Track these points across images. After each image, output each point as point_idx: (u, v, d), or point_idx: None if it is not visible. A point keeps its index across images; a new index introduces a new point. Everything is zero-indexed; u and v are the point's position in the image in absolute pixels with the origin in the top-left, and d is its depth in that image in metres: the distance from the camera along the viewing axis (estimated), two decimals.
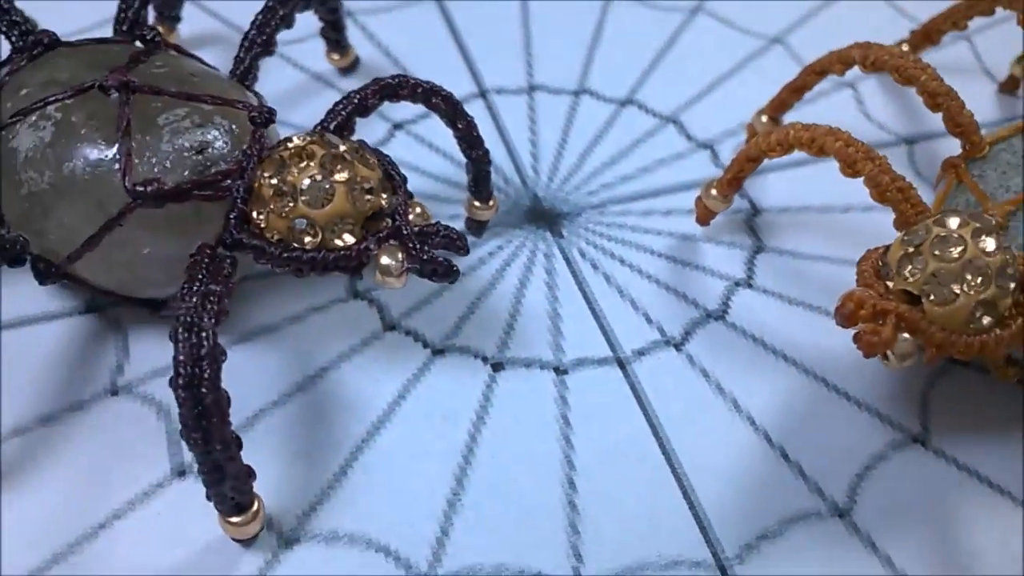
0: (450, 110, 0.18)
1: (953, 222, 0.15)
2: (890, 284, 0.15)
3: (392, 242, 0.15)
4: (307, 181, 0.15)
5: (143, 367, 0.17)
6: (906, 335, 0.15)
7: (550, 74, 0.23)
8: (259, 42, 0.19)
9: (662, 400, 0.17)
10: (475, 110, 0.22)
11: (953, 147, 0.19)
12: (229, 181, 0.15)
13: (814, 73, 0.20)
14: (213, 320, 0.14)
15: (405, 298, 0.18)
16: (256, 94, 0.18)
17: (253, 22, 0.19)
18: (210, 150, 0.15)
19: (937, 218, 0.15)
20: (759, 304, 0.19)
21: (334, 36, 0.22)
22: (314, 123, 0.21)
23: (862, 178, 0.17)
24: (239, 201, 0.15)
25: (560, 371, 0.18)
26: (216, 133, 0.16)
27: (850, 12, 0.26)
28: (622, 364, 0.18)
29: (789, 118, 0.21)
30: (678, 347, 0.18)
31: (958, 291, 0.15)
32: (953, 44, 0.24)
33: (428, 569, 0.15)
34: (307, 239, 0.15)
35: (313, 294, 0.18)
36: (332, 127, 0.17)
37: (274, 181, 0.15)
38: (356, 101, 0.17)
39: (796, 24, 0.25)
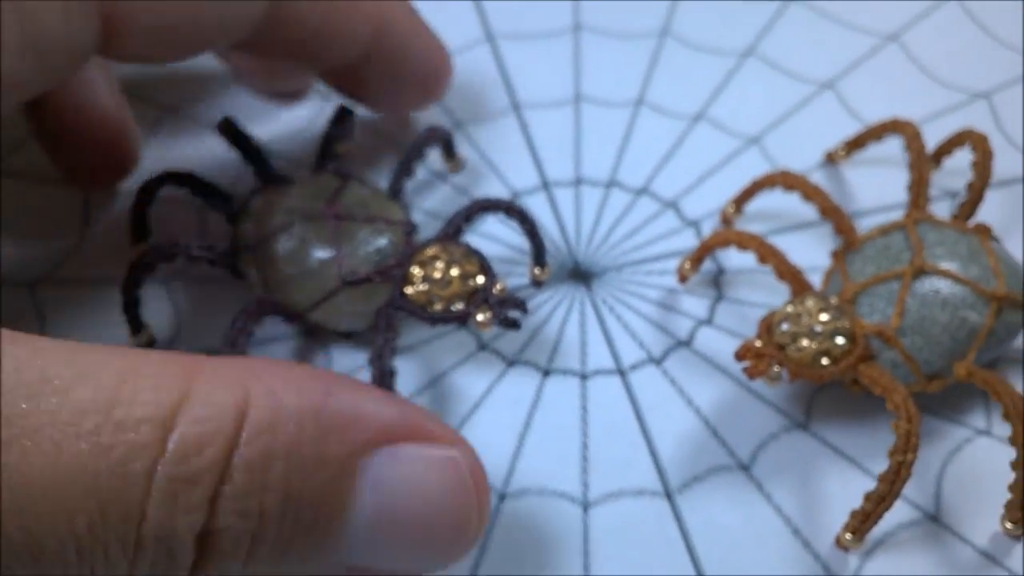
0: (519, 217, 0.29)
1: (809, 303, 0.26)
2: (771, 336, 0.26)
3: (484, 306, 0.26)
4: (438, 274, 0.26)
5: (340, 367, 0.29)
6: (776, 367, 0.25)
7: (591, 169, 0.34)
8: (407, 170, 0.30)
9: (644, 396, 0.28)
10: (539, 199, 0.33)
11: (870, 223, 0.29)
12: (395, 271, 0.27)
13: (759, 185, 0.30)
14: (391, 352, 0.25)
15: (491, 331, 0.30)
16: (402, 206, 0.29)
17: (401, 162, 0.30)
18: (384, 252, 0.27)
19: (801, 298, 0.26)
20: (715, 337, 0.30)
21: (449, 152, 0.33)
22: (436, 208, 0.33)
23: (770, 265, 0.28)
24: (399, 282, 0.27)
25: (584, 377, 0.29)
26: (387, 242, 0.27)
27: (814, 117, 0.35)
28: (622, 373, 0.29)
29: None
30: (658, 363, 0.29)
31: (805, 345, 0.25)
32: (890, 139, 0.34)
33: (501, 487, 0.27)
34: (437, 306, 0.26)
35: (435, 328, 0.30)
36: (451, 233, 0.28)
37: (420, 273, 0.26)
38: (464, 215, 0.28)
39: (770, 127, 0.35)
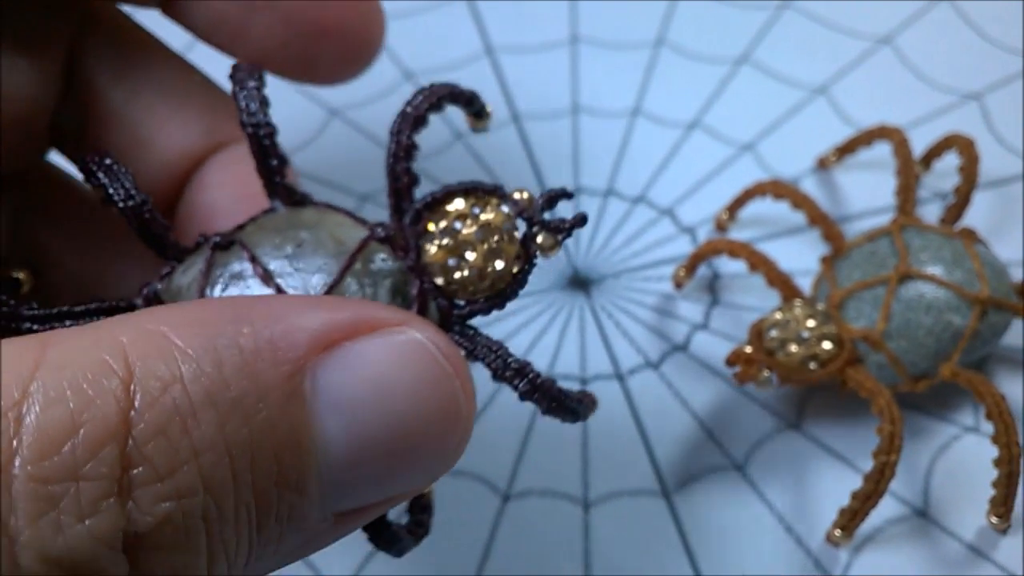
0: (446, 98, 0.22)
1: (797, 309, 0.27)
2: (760, 342, 0.27)
3: (535, 230, 0.19)
4: (467, 249, 0.19)
5: None
6: (767, 372, 0.26)
7: (589, 179, 0.35)
8: (402, 175, 0.21)
9: (642, 400, 0.29)
10: None
11: (862, 226, 0.30)
12: (425, 283, 0.19)
13: (750, 193, 0.31)
14: None
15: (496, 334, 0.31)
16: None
17: (390, 169, 0.21)
18: (396, 287, 0.19)
19: (789, 304, 0.27)
20: (710, 341, 0.31)
21: (473, 106, 0.23)
22: None
23: (761, 273, 0.29)
24: (431, 286, 0.19)
25: (584, 382, 0.30)
26: (390, 285, 0.19)
27: (806, 122, 0.36)
28: (620, 378, 0.30)
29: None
30: (655, 368, 0.30)
31: (794, 350, 0.26)
32: (880, 144, 0.34)
33: (505, 489, 0.28)
34: (493, 268, 0.19)
35: None
36: (405, 184, 0.20)
37: (440, 282, 0.19)
38: (401, 139, 0.21)
39: (763, 133, 0.36)
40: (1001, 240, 0.32)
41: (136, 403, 0.13)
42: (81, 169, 0.21)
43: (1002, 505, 0.26)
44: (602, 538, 0.27)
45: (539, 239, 0.19)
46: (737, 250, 0.28)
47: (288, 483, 0.14)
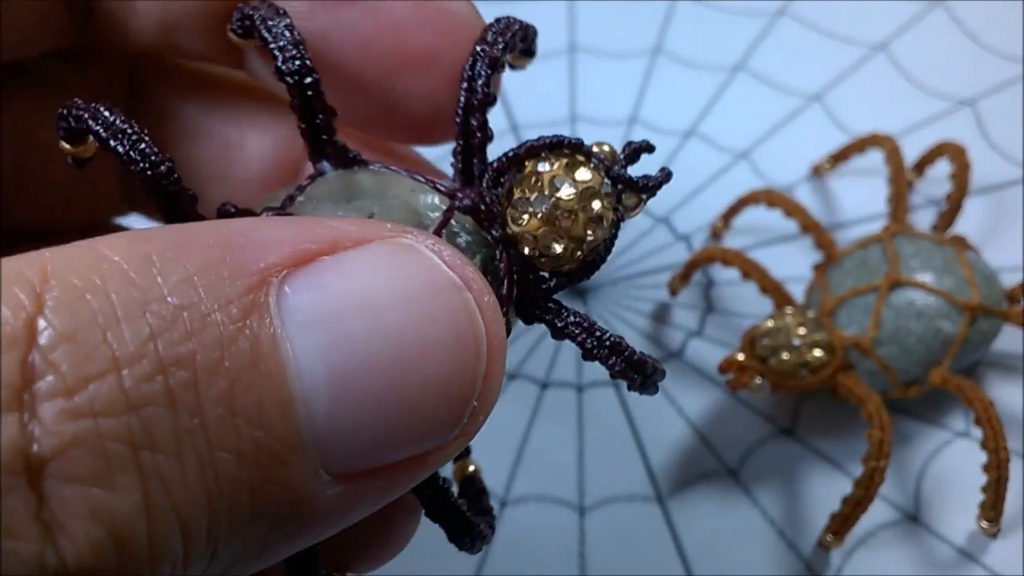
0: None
1: (788, 317, 0.27)
2: (753, 350, 0.27)
3: (619, 189, 0.16)
4: (563, 244, 0.16)
5: None
6: (759, 379, 0.27)
7: None
8: (475, 130, 0.17)
9: (636, 406, 0.30)
10: None
11: (856, 233, 0.30)
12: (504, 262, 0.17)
13: (744, 201, 0.32)
14: None
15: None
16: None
17: (460, 126, 0.17)
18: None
19: (781, 312, 0.27)
20: (704, 348, 0.31)
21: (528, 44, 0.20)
22: None
23: (753, 280, 0.29)
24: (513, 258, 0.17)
25: (580, 389, 0.30)
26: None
27: (801, 130, 0.36)
28: (616, 384, 0.30)
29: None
30: None
31: (786, 357, 0.27)
32: (873, 151, 0.35)
33: (503, 495, 0.28)
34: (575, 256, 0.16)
35: None
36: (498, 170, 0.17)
37: (526, 252, 0.17)
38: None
39: (759, 141, 0.36)
40: (995, 245, 0.32)
41: (46, 308, 0.11)
42: (88, 131, 0.16)
43: (992, 509, 0.26)
44: (597, 543, 0.27)
45: (623, 199, 0.17)
46: (730, 258, 0.29)
47: (249, 414, 0.12)
